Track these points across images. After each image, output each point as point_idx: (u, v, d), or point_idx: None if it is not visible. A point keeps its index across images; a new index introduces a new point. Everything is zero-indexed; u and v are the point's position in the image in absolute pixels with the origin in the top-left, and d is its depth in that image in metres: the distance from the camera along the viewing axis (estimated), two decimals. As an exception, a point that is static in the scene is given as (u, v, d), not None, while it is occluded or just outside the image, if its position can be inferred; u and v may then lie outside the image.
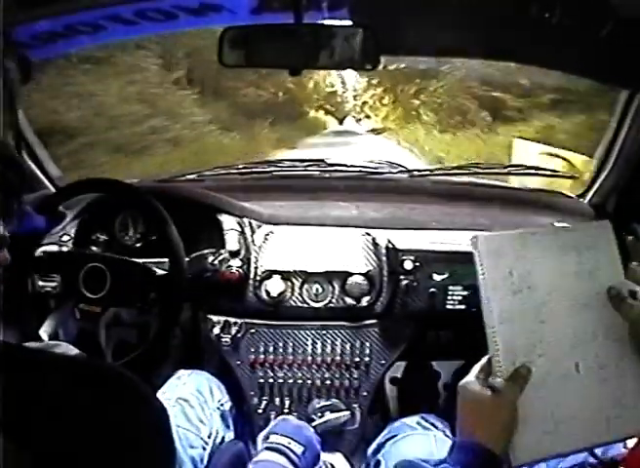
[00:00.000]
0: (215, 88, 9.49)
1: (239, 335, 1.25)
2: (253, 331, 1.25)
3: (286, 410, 1.24)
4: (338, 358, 1.25)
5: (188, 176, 1.54)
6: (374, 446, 1.07)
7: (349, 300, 1.26)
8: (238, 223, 1.29)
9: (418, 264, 1.22)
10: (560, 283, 0.72)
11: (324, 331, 1.25)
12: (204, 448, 1.02)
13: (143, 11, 1.10)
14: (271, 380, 1.24)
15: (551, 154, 3.95)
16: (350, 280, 1.25)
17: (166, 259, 1.15)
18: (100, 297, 1.12)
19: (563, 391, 0.70)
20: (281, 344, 1.25)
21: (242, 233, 1.28)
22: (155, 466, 0.45)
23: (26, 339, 1.10)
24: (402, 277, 1.22)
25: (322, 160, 1.59)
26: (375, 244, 1.27)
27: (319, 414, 1.21)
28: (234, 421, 1.15)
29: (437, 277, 1.22)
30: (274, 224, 1.31)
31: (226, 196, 1.34)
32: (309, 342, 1.25)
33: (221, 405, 1.13)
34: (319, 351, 1.25)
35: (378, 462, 1.00)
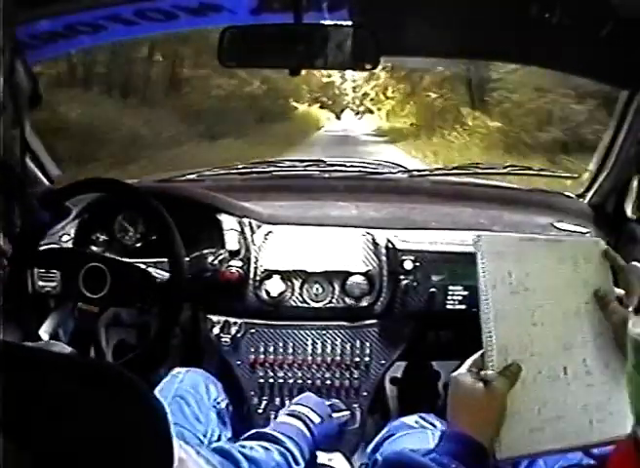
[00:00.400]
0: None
1: (239, 335, 1.25)
2: (253, 331, 1.25)
3: (286, 410, 1.24)
4: (338, 358, 1.25)
5: (188, 177, 1.54)
6: (372, 445, 1.07)
7: (349, 300, 1.26)
8: (238, 223, 1.29)
9: (417, 264, 1.22)
10: (555, 289, 0.75)
11: (324, 331, 1.25)
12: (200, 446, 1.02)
13: (143, 11, 1.11)
14: (271, 380, 1.24)
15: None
16: (350, 280, 1.25)
17: (166, 259, 1.15)
18: (99, 297, 1.12)
19: (551, 391, 0.72)
20: (281, 344, 1.25)
21: (242, 233, 1.28)
22: (155, 466, 0.45)
23: (26, 339, 1.10)
24: (402, 277, 1.22)
25: (322, 160, 1.59)
26: (374, 244, 1.27)
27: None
28: (233, 421, 1.15)
29: (437, 277, 1.22)
30: (274, 224, 1.31)
31: (226, 196, 1.34)
32: (309, 342, 1.25)
33: (218, 403, 1.13)
34: (319, 351, 1.25)
35: (376, 461, 1.00)
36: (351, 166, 1.57)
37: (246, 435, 0.92)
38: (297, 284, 1.26)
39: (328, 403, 1.21)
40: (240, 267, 1.24)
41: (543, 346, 0.72)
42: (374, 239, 1.28)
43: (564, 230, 1.31)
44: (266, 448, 0.85)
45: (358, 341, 1.25)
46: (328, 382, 1.24)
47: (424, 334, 1.42)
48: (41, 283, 1.18)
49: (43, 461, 0.39)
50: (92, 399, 0.42)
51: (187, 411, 1.05)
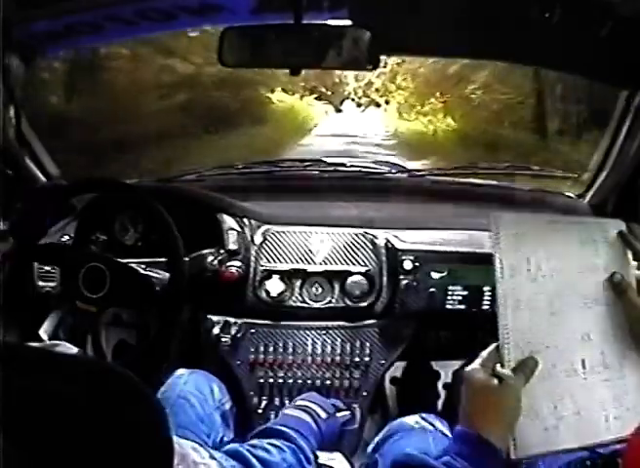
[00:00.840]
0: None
1: (239, 335, 1.25)
2: (253, 331, 1.25)
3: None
4: (338, 358, 1.25)
5: (188, 177, 1.54)
6: (372, 445, 1.07)
7: (349, 300, 1.26)
8: (238, 223, 1.29)
9: (417, 264, 1.22)
10: (575, 275, 0.71)
11: (324, 332, 1.25)
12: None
13: (143, 11, 1.10)
14: (271, 380, 1.24)
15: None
16: (350, 280, 1.25)
17: (166, 259, 1.15)
18: (99, 297, 1.12)
19: (567, 386, 0.69)
20: (281, 344, 1.25)
21: (242, 233, 1.28)
22: (154, 466, 0.45)
23: (26, 339, 1.10)
24: (402, 277, 1.22)
25: (322, 160, 1.59)
26: (374, 244, 1.27)
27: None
28: (234, 421, 1.15)
29: (437, 277, 1.22)
30: (274, 224, 1.31)
31: (226, 196, 1.34)
32: (309, 342, 1.25)
33: (222, 404, 1.13)
34: (319, 351, 1.25)
35: (376, 461, 1.00)
36: (351, 166, 1.57)
37: (256, 430, 0.91)
38: (296, 284, 1.26)
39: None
40: (240, 267, 1.24)
41: (561, 338, 0.69)
42: (374, 239, 1.28)
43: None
44: (279, 448, 0.83)
45: (358, 341, 1.25)
46: (328, 382, 1.24)
47: (424, 334, 1.42)
48: (41, 282, 1.18)
49: (43, 461, 0.39)
50: (92, 399, 0.42)
51: (191, 413, 1.04)
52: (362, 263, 1.26)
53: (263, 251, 1.27)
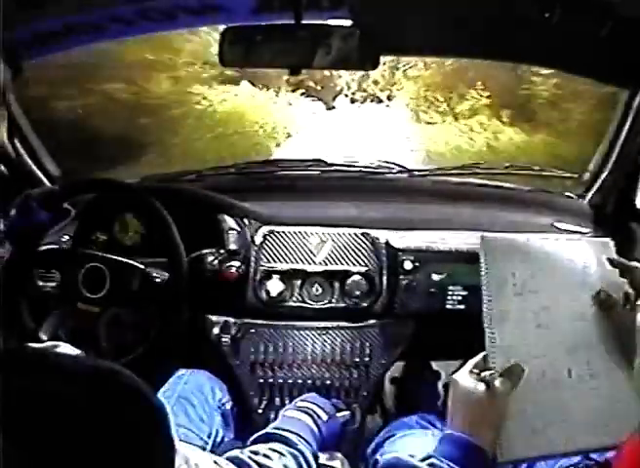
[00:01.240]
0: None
1: (239, 335, 1.25)
2: (253, 331, 1.25)
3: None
4: (337, 358, 1.25)
5: (188, 177, 1.54)
6: (372, 445, 1.07)
7: (349, 300, 1.26)
8: (238, 223, 1.29)
9: (417, 264, 1.22)
10: (562, 290, 0.74)
11: (324, 332, 1.25)
12: (204, 448, 1.02)
13: (143, 11, 1.10)
14: (271, 380, 1.24)
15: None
16: (350, 280, 1.25)
17: (166, 259, 1.15)
18: (99, 297, 1.12)
19: (555, 394, 0.71)
20: (281, 344, 1.25)
21: (242, 233, 1.28)
22: (155, 466, 0.45)
23: (26, 339, 1.10)
24: (401, 277, 1.22)
25: (322, 160, 1.59)
26: (374, 244, 1.27)
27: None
28: (234, 421, 1.15)
29: (437, 277, 1.22)
30: (274, 224, 1.31)
31: (226, 196, 1.34)
32: (309, 342, 1.25)
33: (223, 404, 1.13)
34: (319, 351, 1.25)
35: (376, 461, 1.00)
36: (351, 166, 1.57)
37: (256, 435, 0.90)
38: (296, 284, 1.26)
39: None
40: (240, 267, 1.24)
41: (548, 348, 0.71)
42: (374, 239, 1.28)
43: (564, 230, 1.31)
44: (280, 453, 0.83)
45: (358, 341, 1.25)
46: (328, 382, 1.24)
47: (424, 334, 1.42)
48: (41, 283, 1.18)
49: (43, 461, 0.39)
50: (92, 399, 0.42)
51: (191, 413, 1.05)
52: (362, 263, 1.26)
53: (263, 251, 1.27)
